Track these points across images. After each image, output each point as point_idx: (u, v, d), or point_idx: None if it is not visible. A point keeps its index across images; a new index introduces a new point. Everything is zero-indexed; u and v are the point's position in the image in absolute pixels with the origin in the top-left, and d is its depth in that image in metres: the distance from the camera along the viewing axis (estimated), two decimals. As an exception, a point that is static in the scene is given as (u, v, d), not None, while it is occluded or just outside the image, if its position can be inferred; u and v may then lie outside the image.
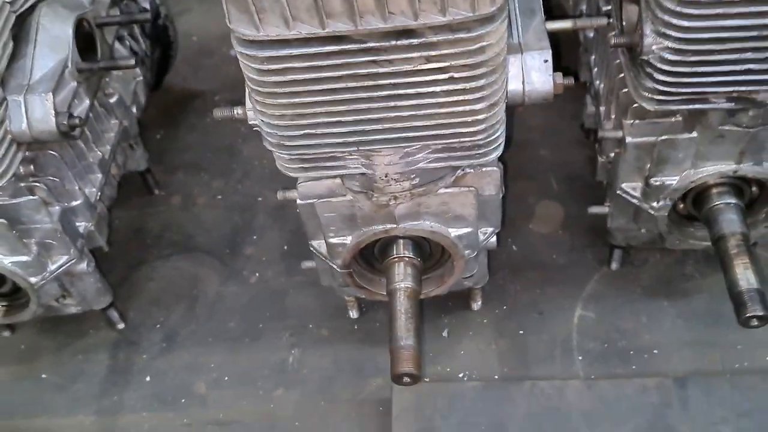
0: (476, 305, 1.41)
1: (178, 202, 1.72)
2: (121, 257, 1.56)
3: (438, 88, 0.88)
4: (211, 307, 1.51)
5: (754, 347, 1.31)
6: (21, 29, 1.14)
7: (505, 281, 1.45)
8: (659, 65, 0.95)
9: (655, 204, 1.18)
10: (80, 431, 1.35)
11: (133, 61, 1.25)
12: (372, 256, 1.23)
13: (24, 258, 1.21)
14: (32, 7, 1.17)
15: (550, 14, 1.47)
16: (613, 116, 1.21)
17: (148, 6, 1.57)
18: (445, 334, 1.40)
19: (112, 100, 1.41)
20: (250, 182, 1.73)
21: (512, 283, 1.45)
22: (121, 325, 1.48)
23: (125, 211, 1.66)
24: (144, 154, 1.61)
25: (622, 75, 1.09)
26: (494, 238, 1.22)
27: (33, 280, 1.23)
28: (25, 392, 1.42)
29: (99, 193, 1.35)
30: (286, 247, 1.59)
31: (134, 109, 1.53)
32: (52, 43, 1.14)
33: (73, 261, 1.27)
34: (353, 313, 1.44)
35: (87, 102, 1.21)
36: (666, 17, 0.90)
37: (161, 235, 1.65)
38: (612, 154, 1.22)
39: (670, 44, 0.92)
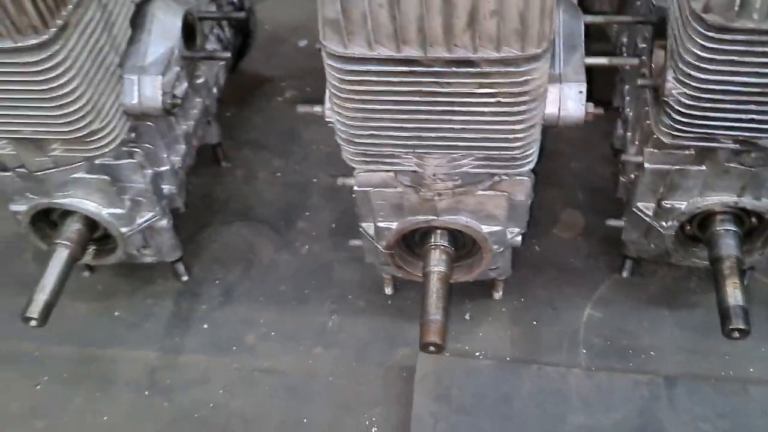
0: (498, 295, 1.59)
1: (242, 175, 1.92)
2: (190, 219, 1.74)
3: (486, 109, 1.06)
4: (265, 271, 1.71)
5: (740, 359, 1.47)
6: (138, 17, 1.33)
7: (525, 276, 1.62)
8: (677, 107, 1.11)
9: (664, 223, 1.34)
10: (145, 364, 1.56)
11: (228, 54, 1.45)
12: (412, 242, 1.41)
13: (118, 210, 1.41)
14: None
15: (594, 37, 1.64)
16: (636, 143, 1.37)
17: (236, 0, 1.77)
18: (467, 317, 1.58)
19: (199, 81, 1.61)
20: (308, 164, 1.92)
21: (532, 279, 1.62)
22: (185, 278, 1.69)
23: (196, 178, 1.85)
24: (218, 129, 1.81)
25: (647, 109, 1.25)
26: (519, 238, 1.39)
27: (123, 230, 1.44)
28: (100, 326, 1.63)
29: (182, 161, 1.56)
30: (334, 225, 1.78)
31: (215, 90, 1.72)
32: (164, 32, 1.34)
33: (156, 218, 1.48)
34: (388, 290, 1.63)
35: (185, 84, 1.41)
36: (685, 68, 1.06)
37: (226, 202, 1.86)
38: (632, 176, 1.39)
39: (688, 91, 1.08)
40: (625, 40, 1.59)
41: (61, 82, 1.13)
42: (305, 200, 1.84)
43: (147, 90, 1.28)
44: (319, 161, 1.92)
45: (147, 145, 1.43)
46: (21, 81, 1.12)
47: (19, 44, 1.06)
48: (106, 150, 1.28)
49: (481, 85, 1.03)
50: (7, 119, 1.19)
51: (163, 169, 1.48)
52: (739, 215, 1.31)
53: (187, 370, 1.55)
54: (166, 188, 1.51)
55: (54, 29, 1.08)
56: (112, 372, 1.56)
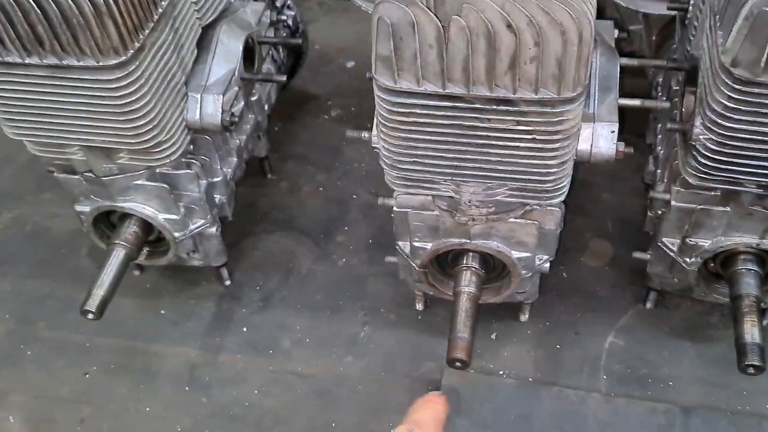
0: (524, 317, 1.65)
1: (286, 188, 2.02)
2: (235, 226, 1.84)
3: (522, 144, 1.14)
4: (302, 280, 1.80)
5: (757, 395, 1.51)
6: (204, 40, 1.45)
7: (552, 301, 1.68)
8: (703, 151, 1.17)
9: (688, 259, 1.40)
10: (186, 360, 1.66)
11: (285, 78, 1.56)
12: (445, 262, 1.49)
13: (173, 216, 1.52)
14: (213, 23, 1.48)
15: (634, 73, 1.71)
16: (665, 180, 1.43)
17: (290, 22, 1.88)
18: (493, 336, 1.64)
19: (253, 98, 1.70)
20: (348, 180, 2.02)
21: (557, 304, 1.68)
22: (228, 282, 1.78)
23: (242, 188, 1.95)
24: (266, 143, 1.92)
25: (676, 150, 1.32)
26: (548, 264, 1.46)
27: (177, 234, 1.55)
28: (146, 322, 1.73)
29: (233, 173, 1.67)
30: (370, 241, 1.87)
31: (266, 107, 1.82)
32: (226, 54, 1.45)
33: (207, 225, 1.58)
34: (419, 306, 1.71)
35: (242, 103, 1.52)
36: (713, 116, 1.12)
37: (269, 212, 1.96)
38: (659, 212, 1.45)
39: (714, 137, 1.14)
40: (660, 80, 1.66)
41: (134, 98, 1.24)
42: (345, 215, 1.94)
43: (208, 108, 1.39)
44: (359, 178, 2.01)
45: (203, 157, 1.54)
46: (98, 96, 1.23)
47: (100, 63, 1.17)
48: (168, 161, 1.39)
49: (519, 123, 1.11)
50: (82, 128, 1.30)
51: (216, 180, 1.59)
52: (761, 256, 1.36)
53: (226, 368, 1.64)
54: (218, 198, 1.61)
55: (132, 51, 1.19)
56: (155, 366, 1.66)
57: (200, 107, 1.39)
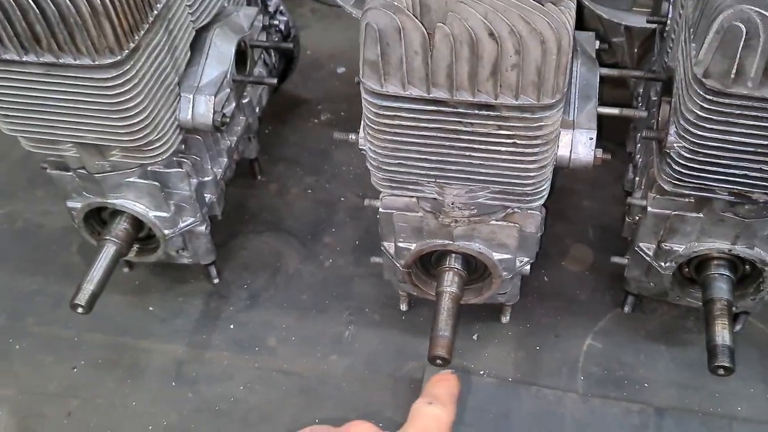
0: (505, 319, 1.69)
1: (275, 189, 2.05)
2: (224, 225, 1.86)
3: (503, 148, 1.18)
4: (289, 280, 1.83)
5: (729, 397, 1.55)
6: (197, 42, 1.48)
7: (532, 304, 1.72)
8: (677, 159, 1.22)
9: (663, 264, 1.45)
10: (174, 356, 1.68)
11: (275, 81, 1.60)
12: (428, 263, 1.53)
13: (164, 214, 1.55)
14: (207, 26, 1.52)
15: (616, 84, 1.76)
16: (642, 187, 1.48)
17: (282, 27, 1.92)
18: (474, 337, 1.68)
19: (245, 101, 1.74)
20: (336, 183, 2.05)
21: (538, 307, 1.72)
22: (216, 280, 1.81)
23: (232, 188, 1.98)
24: (257, 145, 1.95)
25: (652, 157, 1.37)
26: (528, 267, 1.50)
27: (167, 232, 1.58)
28: (135, 319, 1.76)
29: (223, 173, 1.70)
30: (357, 242, 1.90)
31: (257, 110, 1.86)
32: (219, 57, 1.48)
33: (197, 223, 1.61)
34: (403, 306, 1.74)
35: (234, 104, 1.55)
36: (686, 125, 1.17)
37: (257, 213, 1.99)
38: (636, 218, 1.49)
39: (687, 145, 1.19)
40: (641, 91, 1.71)
41: (128, 97, 1.27)
42: (332, 217, 1.97)
43: (200, 108, 1.42)
44: (347, 181, 2.05)
45: (194, 157, 1.57)
46: (93, 94, 1.26)
47: (96, 62, 1.21)
48: (160, 159, 1.42)
49: (500, 127, 1.15)
50: (77, 126, 1.33)
51: (206, 179, 1.62)
52: (734, 261, 1.41)
53: (212, 365, 1.67)
54: (208, 197, 1.65)
55: (127, 51, 1.23)
56: (143, 361, 1.68)
57: (192, 107, 1.42)
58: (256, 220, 1.97)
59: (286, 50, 1.94)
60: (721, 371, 1.31)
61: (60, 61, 1.21)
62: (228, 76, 1.49)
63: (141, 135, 1.34)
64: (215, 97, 1.44)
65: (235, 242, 1.91)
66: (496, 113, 1.13)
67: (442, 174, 1.25)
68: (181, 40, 1.41)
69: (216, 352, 1.70)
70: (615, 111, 1.35)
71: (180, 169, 1.51)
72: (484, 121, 1.14)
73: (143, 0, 1.25)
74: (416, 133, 1.18)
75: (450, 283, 1.43)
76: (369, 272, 1.80)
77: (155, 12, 1.29)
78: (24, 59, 1.22)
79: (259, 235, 1.94)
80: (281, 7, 1.93)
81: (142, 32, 1.25)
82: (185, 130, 1.47)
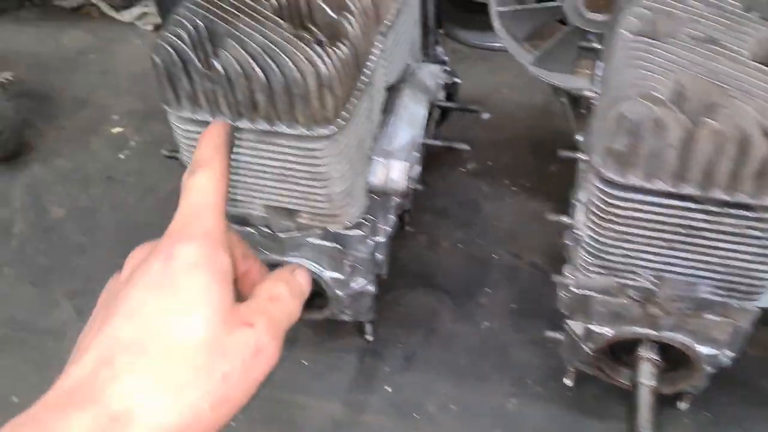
0: (684, 406, 1.58)
1: (425, 241, 2.00)
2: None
3: (749, 249, 1.09)
4: (445, 340, 1.77)
5: None
6: (387, 103, 1.45)
7: (712, 390, 1.61)
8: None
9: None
10: (331, 416, 1.65)
11: (467, 147, 1.54)
12: (617, 347, 1.44)
13: (339, 276, 1.52)
14: (395, 85, 1.48)
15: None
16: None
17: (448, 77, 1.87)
18: (648, 421, 1.59)
19: (413, 156, 1.71)
20: (488, 239, 1.98)
21: (719, 395, 1.61)
22: (370, 337, 1.77)
23: (383, 239, 1.96)
24: (411, 197, 1.90)
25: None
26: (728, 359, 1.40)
27: (339, 293, 1.54)
28: (288, 372, 1.72)
29: (392, 231, 1.65)
30: (513, 306, 1.83)
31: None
32: (410, 119, 1.44)
33: (368, 284, 1.57)
34: (569, 382, 1.65)
35: (420, 168, 1.51)
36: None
37: (407, 266, 1.94)
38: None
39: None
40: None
41: (334, 166, 1.23)
42: (485, 275, 1.90)
43: (394, 173, 1.38)
44: (499, 238, 1.98)
45: (371, 217, 1.53)
46: (300, 162, 1.23)
47: (313, 133, 1.17)
48: (348, 224, 1.38)
49: (750, 227, 1.06)
50: (274, 190, 1.31)
51: (380, 239, 1.57)
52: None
53: (371, 429, 1.62)
54: (379, 257, 1.60)
55: (340, 120, 1.19)
56: (300, 417, 1.65)
57: (386, 172, 1.38)
58: (407, 274, 1.92)
59: (465, 110, 1.88)
60: None
61: (273, 129, 1.19)
62: (419, 139, 1.44)
63: (339, 202, 1.30)
64: (408, 162, 1.39)
65: (389, 297, 1.86)
66: (752, 214, 1.03)
67: (669, 268, 1.16)
68: (377, 103, 1.37)
69: (373, 415, 1.65)
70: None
71: (360, 232, 1.47)
72: (735, 221, 1.05)
73: (357, 68, 1.22)
74: (651, 226, 1.10)
75: (649, 375, 1.33)
76: (527, 339, 1.72)
77: (365, 79, 1.25)
78: (236, 124, 1.20)
79: (411, 289, 1.88)
80: (445, 58, 1.88)
81: (356, 100, 1.22)
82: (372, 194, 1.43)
